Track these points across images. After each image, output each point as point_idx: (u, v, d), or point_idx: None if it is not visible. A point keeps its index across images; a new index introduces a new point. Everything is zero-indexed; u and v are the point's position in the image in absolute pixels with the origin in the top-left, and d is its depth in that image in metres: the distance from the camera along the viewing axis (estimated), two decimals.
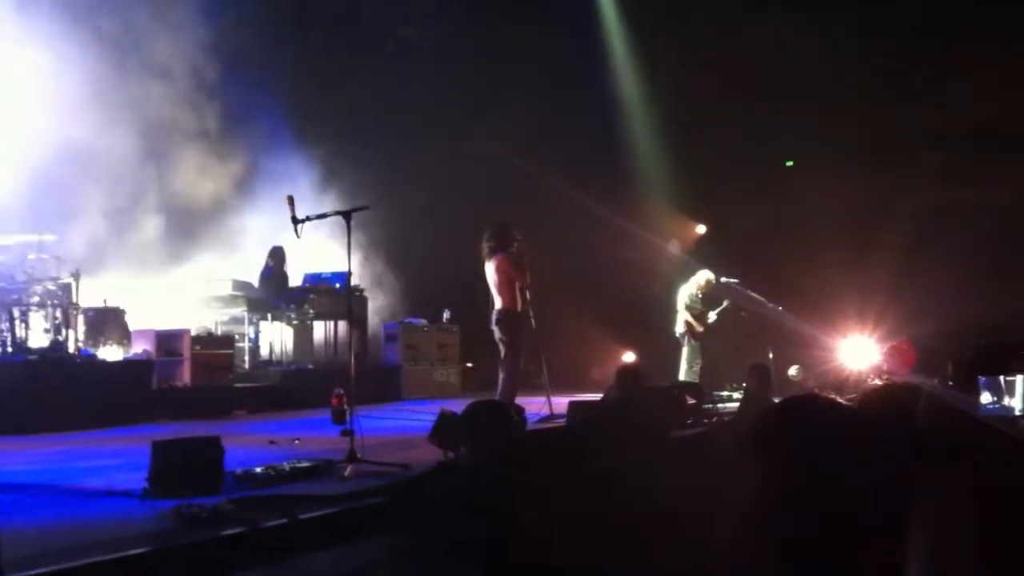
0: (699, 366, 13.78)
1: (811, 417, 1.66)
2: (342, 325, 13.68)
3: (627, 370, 8.75)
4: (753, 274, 15.01)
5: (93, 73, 12.83)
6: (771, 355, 14.33)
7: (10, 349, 10.47)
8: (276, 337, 14.25)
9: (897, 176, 17.43)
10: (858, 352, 12.78)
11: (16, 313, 10.61)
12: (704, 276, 14.31)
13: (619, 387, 8.18)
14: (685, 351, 14.05)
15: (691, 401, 10.21)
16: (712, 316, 14.05)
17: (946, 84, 16.53)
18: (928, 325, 10.73)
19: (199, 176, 14.42)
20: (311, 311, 13.79)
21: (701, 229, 18.75)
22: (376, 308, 15.77)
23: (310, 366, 13.71)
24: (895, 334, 12.35)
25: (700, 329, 13.96)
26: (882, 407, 1.77)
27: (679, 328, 14.20)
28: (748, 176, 17.78)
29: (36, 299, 10.86)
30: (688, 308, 14.09)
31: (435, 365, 15.35)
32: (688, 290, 14.23)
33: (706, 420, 10.02)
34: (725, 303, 14.19)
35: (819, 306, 15.03)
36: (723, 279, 14.39)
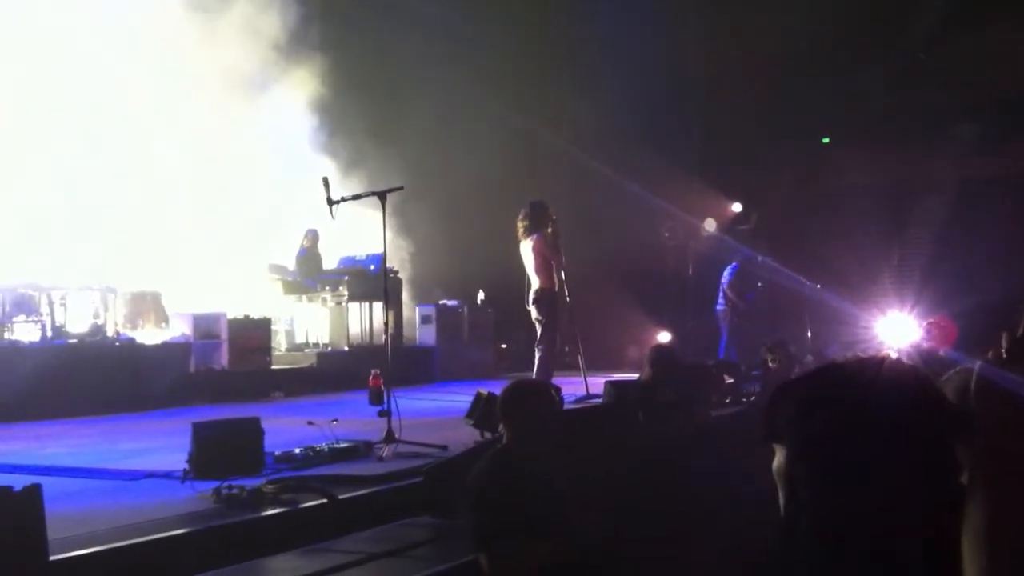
0: (741, 344, 13.71)
1: (841, 383, 1.57)
2: (377, 306, 13.69)
3: (660, 350, 8.67)
4: (790, 252, 14.88)
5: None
6: (809, 333, 14.22)
7: (50, 333, 10.58)
8: (312, 319, 14.32)
9: (935, 149, 17.20)
10: (897, 329, 12.60)
11: (56, 297, 10.72)
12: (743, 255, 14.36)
13: (652, 367, 8.11)
14: (726, 329, 14.01)
15: (728, 380, 10.13)
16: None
17: (984, 54, 16.26)
18: (970, 300, 10.55)
19: (234, 157, 14.44)
20: (346, 293, 13.82)
21: (737, 207, 18.58)
22: (410, 289, 15.77)
23: (345, 348, 13.75)
24: (935, 310, 12.16)
25: (742, 306, 13.93)
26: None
27: (720, 305, 14.17)
28: (784, 153, 17.60)
29: (75, 283, 10.99)
30: (730, 286, 14.07)
31: (469, 346, 15.35)
32: (730, 268, 14.26)
33: (744, 399, 9.95)
34: (759, 284, 14.19)
35: (857, 283, 14.87)
36: (759, 258, 14.31)
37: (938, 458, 1.55)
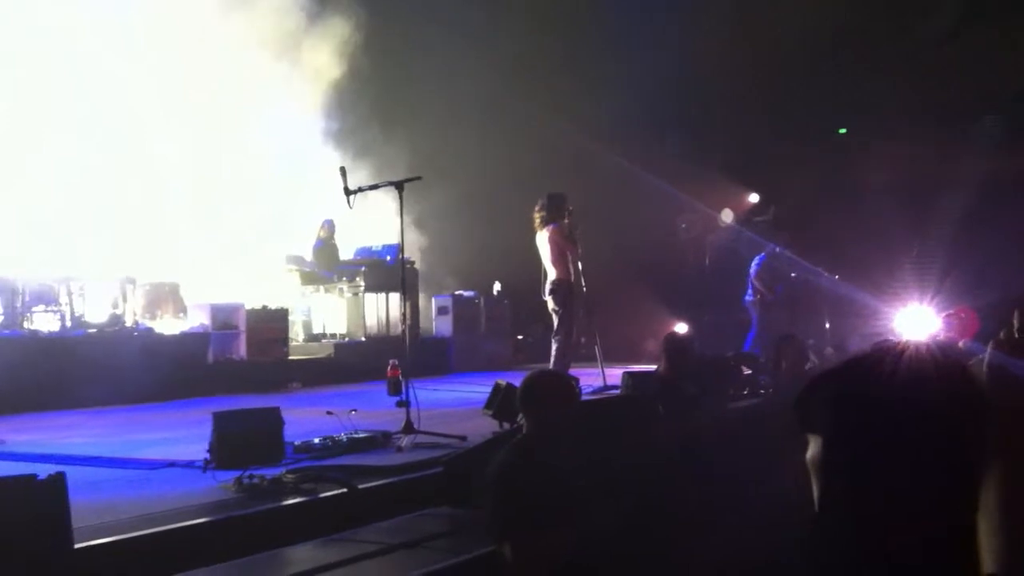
0: (767, 336, 13.67)
1: (874, 373, 1.57)
2: (393, 297, 13.72)
3: (672, 339, 8.65)
4: (809, 243, 14.82)
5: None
6: (828, 325, 14.15)
7: (69, 323, 10.64)
8: (329, 310, 14.36)
9: (955, 142, 17.09)
10: (917, 321, 12.55)
11: (75, 288, 10.78)
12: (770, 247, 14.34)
13: (667, 356, 8.11)
14: (755, 320, 13.98)
15: (747, 371, 10.10)
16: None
17: (1005, 47, 16.13)
18: (991, 294, 10.50)
19: (249, 149, 14.48)
20: (363, 284, 13.84)
21: (754, 198, 18.50)
22: (426, 280, 15.78)
23: (362, 338, 13.79)
24: (955, 302, 12.10)
25: (771, 297, 13.87)
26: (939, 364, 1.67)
27: (749, 297, 14.13)
28: (802, 144, 17.52)
29: (94, 274, 11.07)
30: (758, 277, 14.03)
31: (486, 337, 15.35)
32: (758, 259, 14.23)
33: (762, 391, 9.91)
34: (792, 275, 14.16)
35: (876, 275, 14.80)
36: (777, 249, 14.25)
37: (966, 446, 1.55)
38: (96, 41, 12.54)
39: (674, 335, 9.19)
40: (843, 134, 18.87)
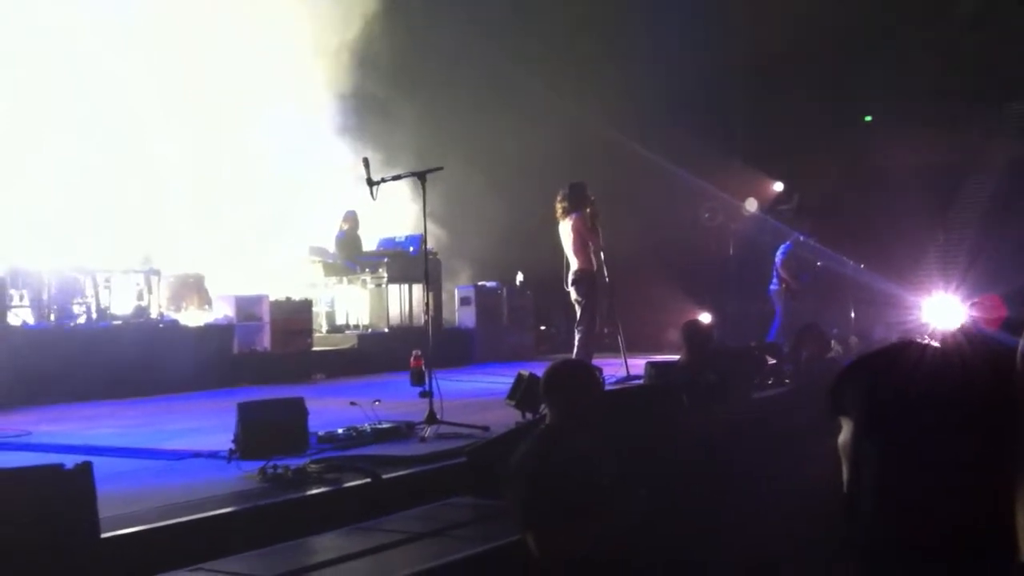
0: (792, 325, 13.60)
1: (907, 362, 1.56)
2: (416, 288, 13.74)
3: (691, 326, 8.60)
4: (833, 232, 14.71)
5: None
6: (853, 314, 14.06)
7: (95, 315, 10.71)
8: (352, 301, 14.40)
9: (981, 128, 16.93)
10: (942, 310, 12.46)
11: (100, 280, 10.84)
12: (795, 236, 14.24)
13: (688, 344, 8.08)
14: (780, 310, 13.89)
15: (771, 361, 10.04)
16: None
17: None
18: (1018, 281, 10.41)
19: (253, 147, 14.47)
20: (385, 275, 13.86)
21: (779, 187, 18.39)
22: (448, 271, 15.76)
23: (385, 330, 13.81)
24: (981, 291, 12.00)
25: (797, 286, 13.78)
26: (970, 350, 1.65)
27: (774, 286, 14.04)
28: (828, 133, 17.40)
29: (119, 266, 11.13)
30: (783, 266, 13.94)
31: (508, 328, 15.34)
32: (783, 248, 14.14)
33: (787, 381, 9.86)
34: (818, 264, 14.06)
35: (902, 264, 14.69)
36: (802, 238, 14.15)
37: (999, 435, 1.54)
38: (96, 41, 12.49)
39: (694, 322, 9.12)
40: (868, 121, 18.73)
